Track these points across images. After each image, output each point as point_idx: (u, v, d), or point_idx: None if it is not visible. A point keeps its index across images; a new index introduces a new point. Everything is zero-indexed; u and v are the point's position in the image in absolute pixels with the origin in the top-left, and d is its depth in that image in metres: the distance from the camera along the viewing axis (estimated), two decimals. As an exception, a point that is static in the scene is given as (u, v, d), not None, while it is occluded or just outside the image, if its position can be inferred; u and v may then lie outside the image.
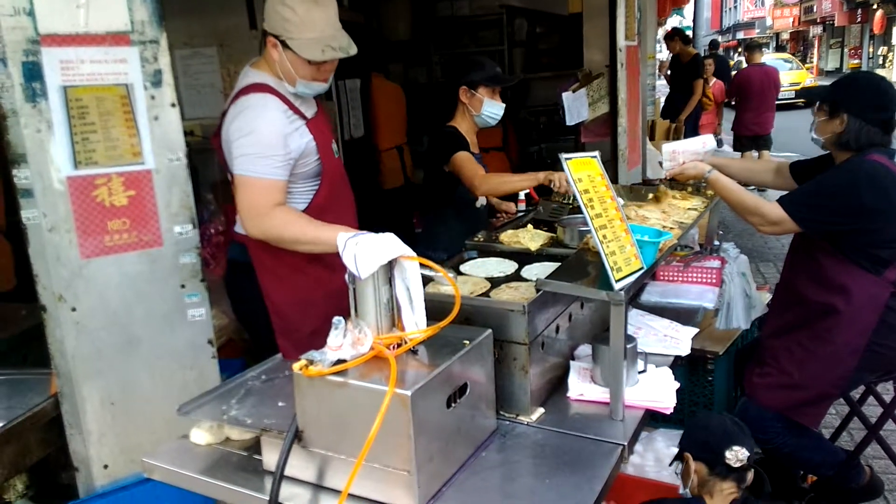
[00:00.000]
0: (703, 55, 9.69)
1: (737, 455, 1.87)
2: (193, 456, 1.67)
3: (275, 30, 2.09)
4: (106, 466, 2.12)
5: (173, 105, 2.10)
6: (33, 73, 1.90)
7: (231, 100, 2.14)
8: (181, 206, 2.15)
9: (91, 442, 2.09)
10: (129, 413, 2.13)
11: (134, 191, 2.07)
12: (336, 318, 1.46)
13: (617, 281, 1.67)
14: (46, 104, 1.92)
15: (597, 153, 1.89)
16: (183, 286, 2.18)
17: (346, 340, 1.46)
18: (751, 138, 8.54)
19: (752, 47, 9.05)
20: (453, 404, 1.49)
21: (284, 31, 2.07)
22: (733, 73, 9.05)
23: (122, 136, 2.03)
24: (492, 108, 2.89)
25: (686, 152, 2.65)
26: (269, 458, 1.56)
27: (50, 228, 1.96)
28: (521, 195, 2.76)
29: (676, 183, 2.74)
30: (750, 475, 1.93)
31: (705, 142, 2.71)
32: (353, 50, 2.14)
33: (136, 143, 2.06)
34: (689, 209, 2.51)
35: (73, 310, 2.01)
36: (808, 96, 2.84)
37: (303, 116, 2.18)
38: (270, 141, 2.04)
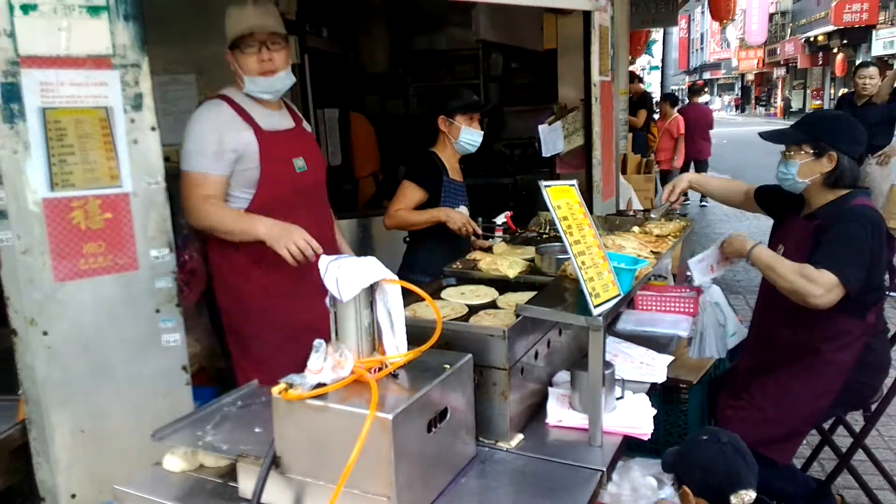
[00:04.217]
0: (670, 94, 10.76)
1: (742, 500, 1.85)
2: (167, 483, 1.63)
3: (226, 41, 2.37)
4: (74, 496, 2.05)
5: (153, 129, 2.10)
6: (12, 94, 1.88)
7: None
8: (158, 230, 2.13)
9: (59, 471, 2.03)
10: (99, 441, 2.08)
11: (111, 214, 2.05)
12: (317, 341, 1.45)
13: (595, 307, 1.69)
14: (24, 125, 1.90)
15: (574, 182, 1.93)
16: (158, 311, 2.15)
17: (326, 364, 1.45)
18: (691, 163, 10.25)
19: (693, 91, 11.15)
20: (434, 429, 1.49)
21: (228, 36, 2.36)
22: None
23: (100, 159, 2.02)
24: (469, 136, 2.99)
25: (708, 256, 2.65)
26: (246, 485, 1.53)
27: (23, 251, 1.93)
28: (499, 223, 2.80)
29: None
30: None
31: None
32: (271, 27, 2.38)
33: (114, 166, 2.04)
34: (663, 236, 2.55)
35: (45, 334, 1.97)
36: (778, 140, 2.86)
37: (253, 124, 2.39)
38: (203, 137, 2.32)
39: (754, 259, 2.42)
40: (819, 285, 2.21)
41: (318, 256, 1.79)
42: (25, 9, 1.88)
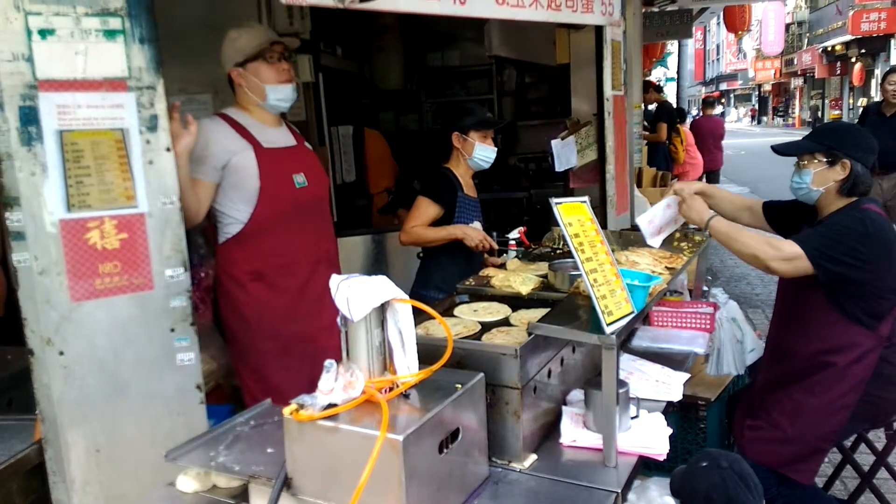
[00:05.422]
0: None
1: None
2: (180, 504, 1.63)
3: (233, 60, 2.45)
4: (88, 516, 2.06)
5: (168, 149, 2.12)
6: (30, 117, 1.91)
7: None
8: (173, 250, 2.15)
9: (74, 490, 2.03)
10: (114, 460, 2.08)
11: (126, 234, 2.07)
12: (328, 361, 1.45)
13: (608, 325, 1.68)
14: (42, 148, 1.93)
15: (586, 198, 1.92)
16: (173, 330, 2.16)
17: (337, 384, 1.45)
18: (704, 173, 10.30)
19: (707, 103, 11.43)
20: (445, 450, 1.48)
21: (240, 53, 2.43)
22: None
23: (116, 180, 2.04)
24: (483, 152, 3.00)
25: (658, 216, 2.60)
26: (258, 506, 1.53)
27: (41, 271, 1.95)
28: (512, 240, 2.79)
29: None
30: None
31: (669, 203, 2.63)
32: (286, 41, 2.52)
33: (129, 187, 2.06)
34: (677, 254, 2.52)
35: (61, 354, 1.98)
36: (790, 151, 2.84)
37: (252, 141, 2.44)
38: (198, 146, 2.31)
39: (713, 230, 2.44)
40: (780, 251, 2.27)
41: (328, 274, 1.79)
42: (43, 34, 1.91)
